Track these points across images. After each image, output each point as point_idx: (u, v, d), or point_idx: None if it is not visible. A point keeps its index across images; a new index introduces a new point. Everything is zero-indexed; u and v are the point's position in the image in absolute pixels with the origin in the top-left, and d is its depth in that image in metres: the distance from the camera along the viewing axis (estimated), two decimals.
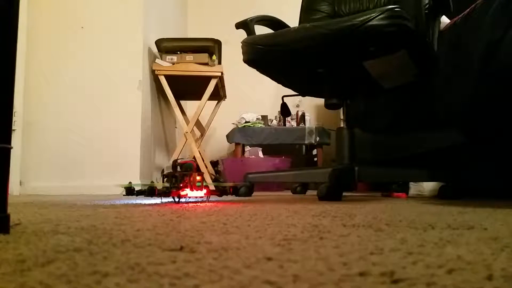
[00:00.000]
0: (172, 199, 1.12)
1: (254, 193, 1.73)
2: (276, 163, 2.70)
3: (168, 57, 2.43)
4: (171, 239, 0.42)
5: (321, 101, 1.63)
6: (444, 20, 1.60)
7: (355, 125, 1.73)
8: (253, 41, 1.44)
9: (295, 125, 3.05)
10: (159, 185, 1.11)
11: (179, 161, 1.11)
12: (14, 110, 1.65)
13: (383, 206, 0.99)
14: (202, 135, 2.93)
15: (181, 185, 1.08)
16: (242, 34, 1.55)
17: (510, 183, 1.42)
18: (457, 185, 1.48)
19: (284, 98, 1.82)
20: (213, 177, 2.57)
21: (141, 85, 2.26)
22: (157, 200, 1.28)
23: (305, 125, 3.00)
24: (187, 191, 1.10)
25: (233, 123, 2.97)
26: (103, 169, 2.18)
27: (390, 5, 1.33)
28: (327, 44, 1.26)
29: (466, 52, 1.43)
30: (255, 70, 1.51)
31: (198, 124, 2.75)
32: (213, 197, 1.17)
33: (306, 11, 1.90)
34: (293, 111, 2.95)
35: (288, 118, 3.06)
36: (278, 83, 1.64)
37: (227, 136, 2.92)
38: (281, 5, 3.21)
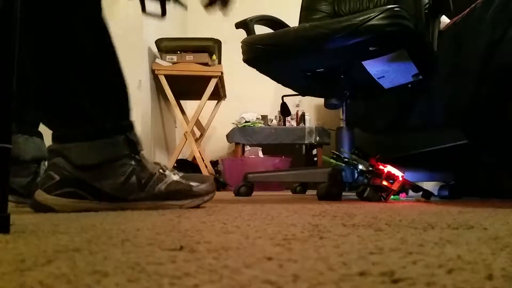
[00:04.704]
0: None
1: (254, 193, 1.73)
2: (276, 163, 2.70)
3: (168, 56, 2.43)
4: (171, 239, 0.42)
5: (321, 101, 1.63)
6: (444, 20, 1.60)
7: (355, 125, 1.73)
8: (253, 41, 1.44)
9: (295, 125, 3.05)
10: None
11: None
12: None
13: (383, 206, 0.99)
14: (202, 135, 2.93)
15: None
16: (242, 34, 1.55)
17: (510, 182, 1.42)
18: (457, 185, 1.48)
19: (284, 98, 1.82)
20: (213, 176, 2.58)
21: (141, 85, 2.26)
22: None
23: (305, 125, 3.00)
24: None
25: (233, 123, 2.97)
26: None
27: (390, 4, 1.33)
28: (327, 43, 1.26)
29: (466, 52, 1.43)
30: (255, 70, 1.51)
31: (198, 124, 2.76)
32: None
33: (306, 11, 1.90)
34: (293, 111, 2.95)
35: (288, 118, 3.05)
36: (278, 83, 1.64)
37: (227, 136, 2.92)
38: (281, 5, 3.21)
